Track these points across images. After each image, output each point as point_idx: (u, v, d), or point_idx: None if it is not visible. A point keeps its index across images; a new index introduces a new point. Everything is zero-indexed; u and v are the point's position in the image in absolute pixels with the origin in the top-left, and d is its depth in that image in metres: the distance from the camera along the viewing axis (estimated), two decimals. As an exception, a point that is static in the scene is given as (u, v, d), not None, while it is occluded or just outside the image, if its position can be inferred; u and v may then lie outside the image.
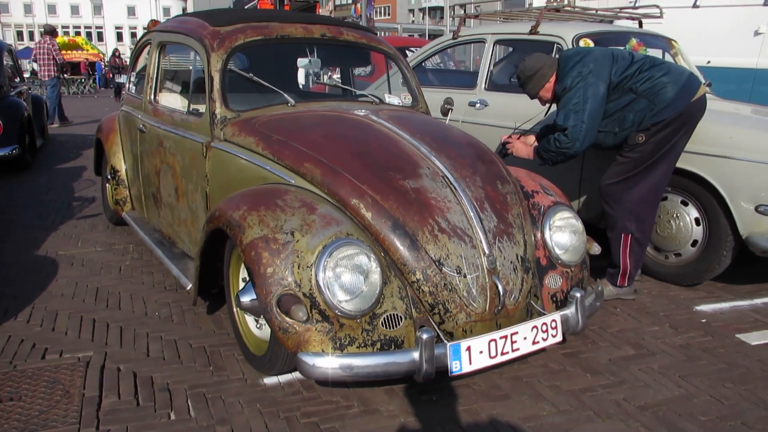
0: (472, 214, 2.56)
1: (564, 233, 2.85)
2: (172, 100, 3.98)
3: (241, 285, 2.74)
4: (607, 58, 3.43)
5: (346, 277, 2.31)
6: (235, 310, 2.81)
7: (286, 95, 3.34)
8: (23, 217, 5.27)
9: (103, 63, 38.57)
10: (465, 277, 2.44)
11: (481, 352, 2.38)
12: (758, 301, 3.65)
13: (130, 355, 2.88)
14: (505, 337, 2.43)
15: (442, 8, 59.84)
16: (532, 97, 3.69)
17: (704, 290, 3.78)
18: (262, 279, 2.32)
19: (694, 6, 6.45)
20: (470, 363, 2.36)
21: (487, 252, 2.49)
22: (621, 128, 3.40)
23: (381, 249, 2.44)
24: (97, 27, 62.49)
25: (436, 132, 3.11)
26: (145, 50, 4.32)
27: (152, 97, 3.97)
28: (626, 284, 3.55)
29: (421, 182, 2.60)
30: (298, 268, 2.31)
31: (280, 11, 4.57)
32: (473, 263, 2.47)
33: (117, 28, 63.49)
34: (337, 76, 4.96)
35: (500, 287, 2.47)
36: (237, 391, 2.57)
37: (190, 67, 3.76)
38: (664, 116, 3.31)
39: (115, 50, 29.05)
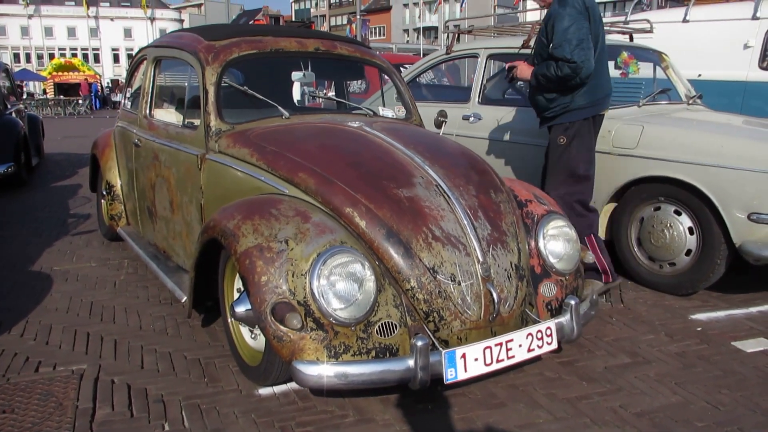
0: (465, 222, 2.57)
1: (558, 242, 2.86)
2: (168, 114, 4.00)
3: (236, 296, 2.74)
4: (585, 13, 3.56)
5: (341, 285, 2.31)
6: (229, 320, 2.81)
7: (280, 108, 3.36)
8: (18, 234, 5.27)
9: (99, 84, 38.77)
10: (459, 284, 2.44)
11: (476, 359, 2.38)
12: (753, 309, 3.66)
13: (124, 367, 2.86)
14: (500, 344, 2.43)
15: (436, 28, 60.42)
16: None
17: (699, 299, 3.79)
18: (256, 287, 2.32)
19: (684, 20, 6.53)
20: (465, 370, 2.36)
21: (481, 260, 2.50)
22: (546, 99, 3.68)
23: (375, 257, 2.44)
24: (93, 49, 62.74)
25: (430, 142, 3.13)
26: (141, 66, 4.35)
27: (147, 111, 3.99)
28: (611, 279, 3.71)
29: (414, 191, 2.61)
30: (293, 276, 2.31)
31: (275, 26, 4.63)
32: (467, 271, 2.47)
33: (114, 50, 63.77)
34: (332, 93, 4.99)
35: (495, 295, 2.47)
36: (232, 402, 2.55)
37: (186, 82, 3.79)
38: (573, 118, 3.63)
39: None
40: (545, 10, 3.74)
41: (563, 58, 3.46)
